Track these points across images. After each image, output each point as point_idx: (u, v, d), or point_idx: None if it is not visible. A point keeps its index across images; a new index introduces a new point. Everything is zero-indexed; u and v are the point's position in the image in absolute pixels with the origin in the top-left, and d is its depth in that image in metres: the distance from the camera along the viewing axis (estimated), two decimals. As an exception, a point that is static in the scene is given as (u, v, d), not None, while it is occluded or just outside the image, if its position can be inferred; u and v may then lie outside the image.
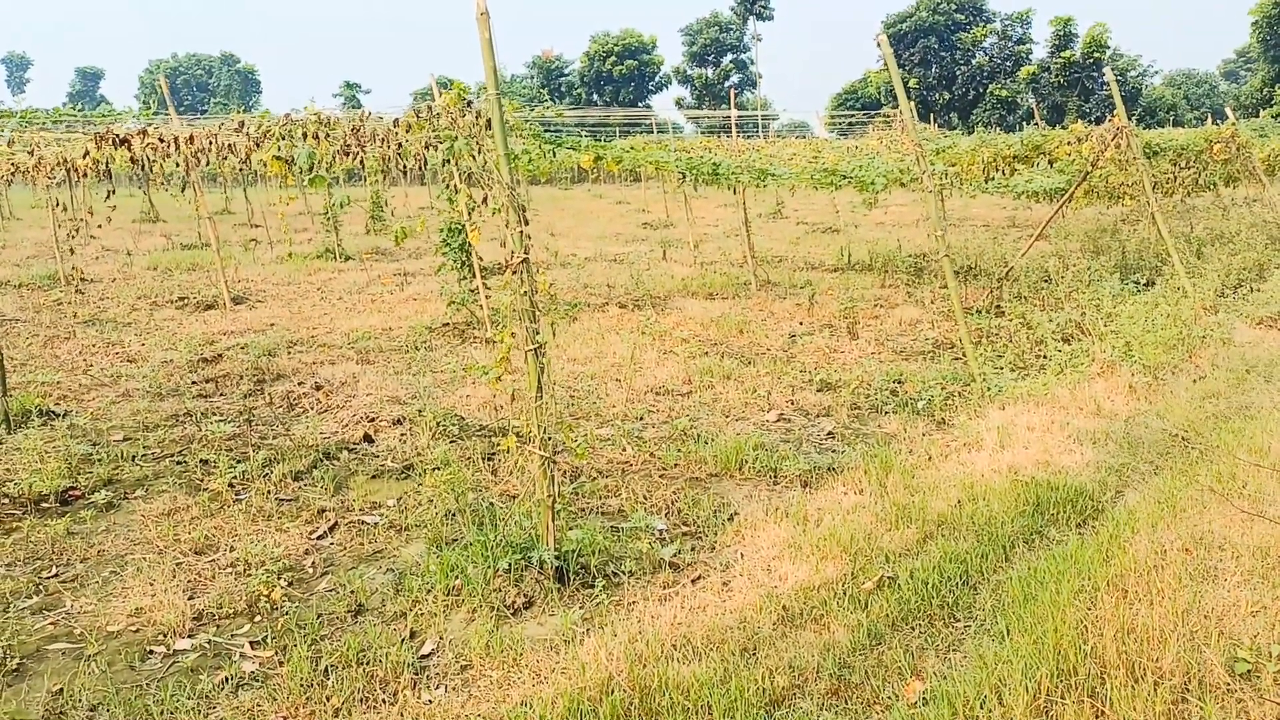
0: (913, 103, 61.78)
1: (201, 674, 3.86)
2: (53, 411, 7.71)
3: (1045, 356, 8.64)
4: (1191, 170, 15.67)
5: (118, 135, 7.99)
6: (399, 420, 7.31)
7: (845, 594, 4.33)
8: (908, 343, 9.99)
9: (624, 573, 4.62)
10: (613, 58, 71.60)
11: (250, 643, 4.10)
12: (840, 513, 5.28)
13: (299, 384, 8.53)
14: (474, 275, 10.72)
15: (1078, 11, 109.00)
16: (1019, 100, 59.27)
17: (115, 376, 9.02)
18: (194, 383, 8.75)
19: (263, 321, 11.92)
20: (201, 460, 6.43)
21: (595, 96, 72.61)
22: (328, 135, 4.78)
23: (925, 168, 7.64)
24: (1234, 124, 14.35)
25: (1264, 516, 4.40)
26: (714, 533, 5.17)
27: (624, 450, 6.60)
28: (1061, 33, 59.40)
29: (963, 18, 64.64)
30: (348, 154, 4.70)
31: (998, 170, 11.48)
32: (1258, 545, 4.37)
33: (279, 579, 4.70)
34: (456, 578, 4.43)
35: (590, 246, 19.78)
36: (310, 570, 4.83)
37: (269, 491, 5.86)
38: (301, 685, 3.67)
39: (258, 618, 4.32)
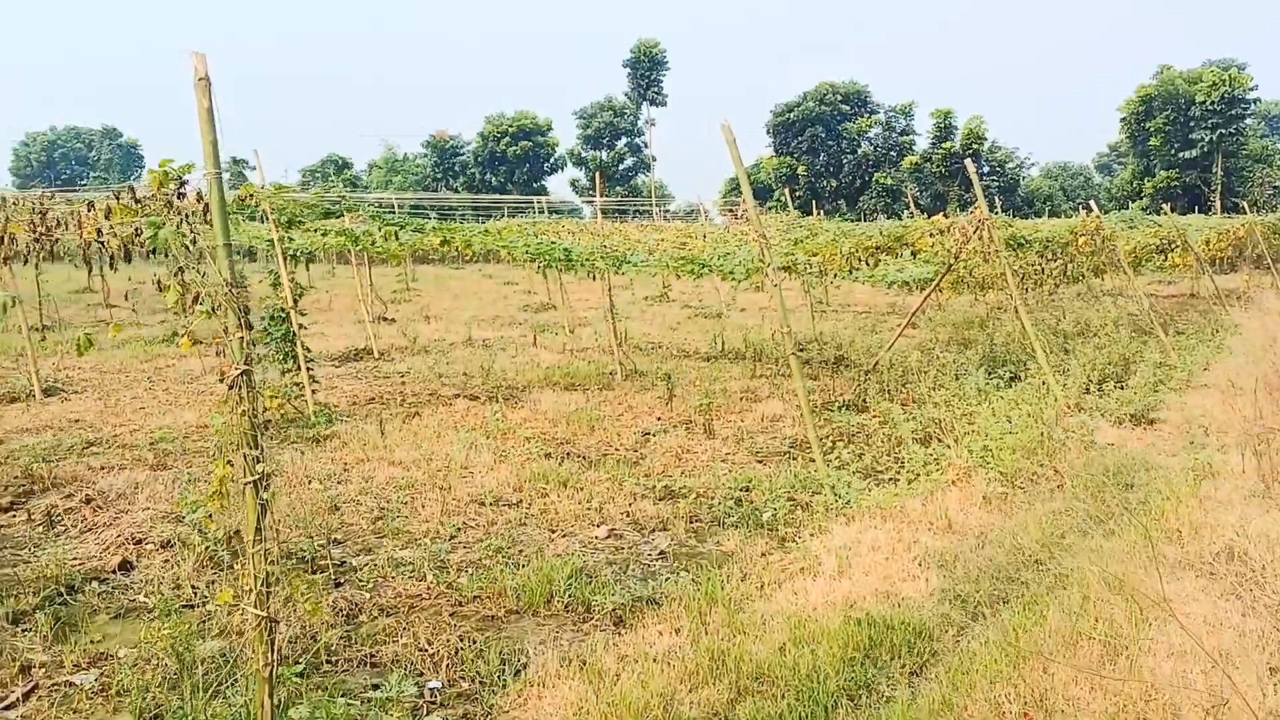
0: (801, 189, 63.12)
1: None
2: None
3: (902, 460, 8.11)
4: (1059, 261, 15.71)
5: None
6: (169, 543, 6.33)
7: (627, 782, 3.56)
8: (766, 441, 9.40)
9: (364, 758, 3.77)
10: (508, 138, 71.48)
11: None
12: (646, 663, 4.52)
13: (68, 496, 7.46)
14: (298, 368, 9.81)
15: (958, 105, 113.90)
16: (903, 188, 60.94)
17: None
18: (-51, 494, 7.61)
19: (68, 418, 10.74)
20: (-96, 600, 5.36)
21: (490, 176, 72.22)
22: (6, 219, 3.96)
23: (769, 260, 7.10)
24: (1098, 216, 14.44)
25: (1107, 677, 3.80)
26: (494, 693, 4.36)
27: (423, 578, 5.75)
28: (942, 124, 61.43)
29: (848, 108, 66.51)
30: (36, 239, 3.89)
31: (861, 260, 11.16)
32: (1106, 710, 3.75)
33: (-78, 776, 3.71)
34: (137, 777, 3.52)
35: (463, 330, 18.97)
36: (-30, 761, 3.85)
37: (-30, 642, 4.84)
38: None
39: None
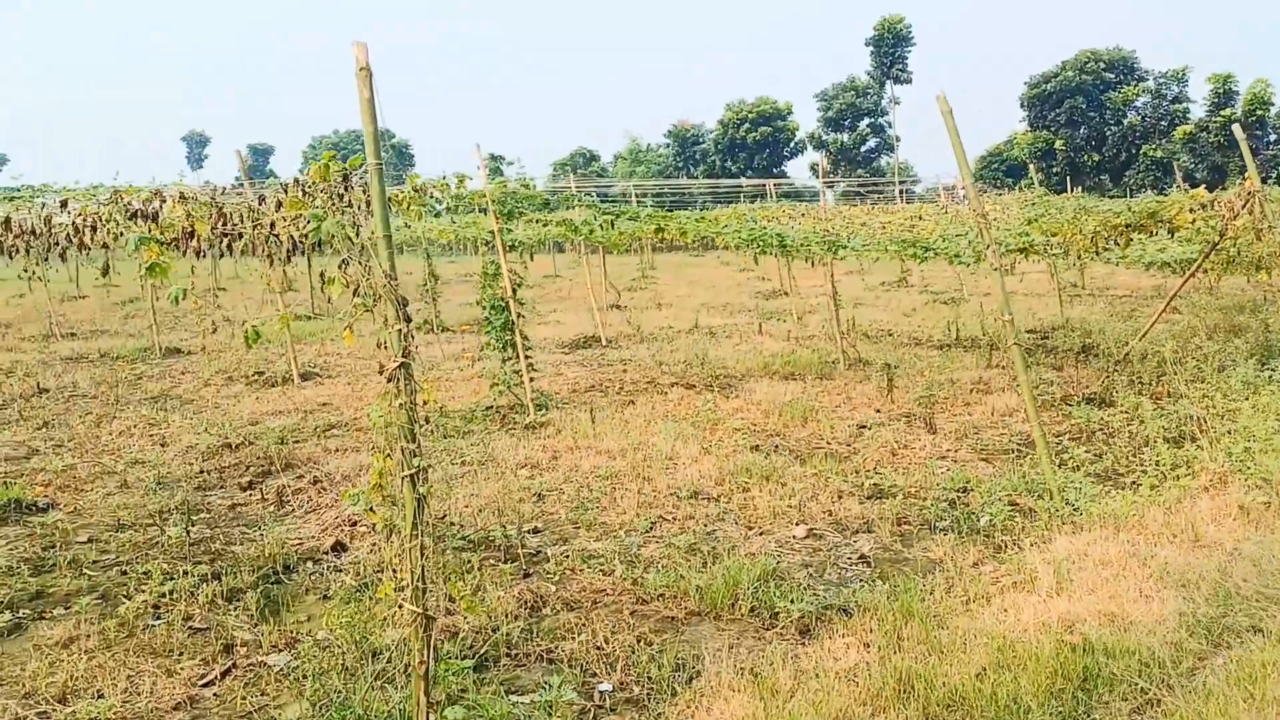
0: (1059, 165, 59.11)
1: None
2: (35, 505, 7.30)
3: (1146, 463, 7.28)
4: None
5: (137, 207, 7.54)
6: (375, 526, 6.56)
7: (787, 813, 3.29)
8: (993, 438, 8.72)
9: (519, 761, 3.69)
10: (747, 125, 71.24)
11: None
12: (827, 679, 4.21)
13: (299, 477, 7.93)
14: (518, 357, 10.01)
15: (1238, 69, 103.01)
16: (1175, 161, 55.81)
17: (132, 462, 8.64)
18: (200, 473, 8.28)
19: (318, 400, 11.51)
20: (142, 572, 5.81)
21: (729, 163, 72.27)
22: (188, 215, 4.14)
23: (988, 242, 6.52)
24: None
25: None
26: (664, 701, 4.17)
27: (611, 572, 5.66)
28: (1221, 90, 55.88)
29: (1113, 76, 61.70)
30: (223, 237, 4.05)
31: (1109, 240, 10.15)
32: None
33: (123, 744, 3.96)
34: (299, 764, 3.58)
35: (690, 318, 18.95)
36: (166, 733, 4.07)
37: (188, 617, 5.17)
38: None
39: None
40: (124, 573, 5.92)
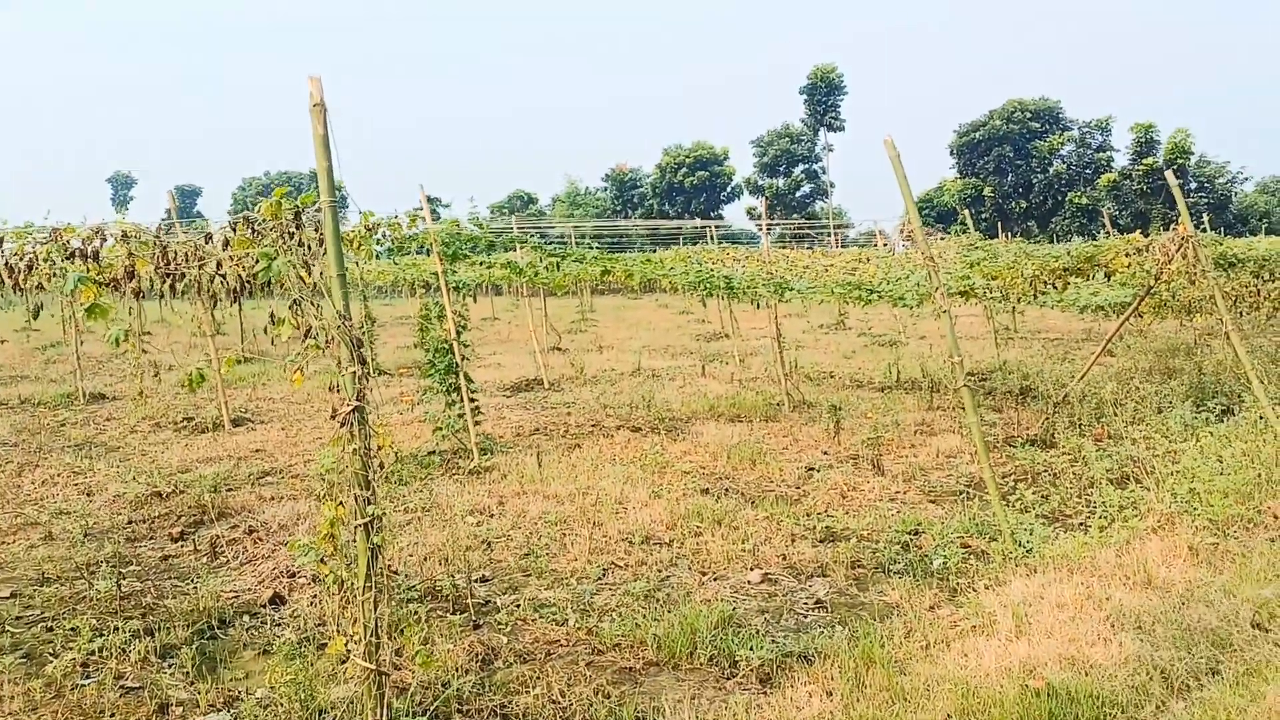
0: (987, 211, 60.58)
1: None
2: (-48, 558, 6.93)
3: (1093, 504, 7.34)
4: (1278, 283, 14.23)
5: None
6: (318, 578, 6.33)
7: None
8: (941, 479, 8.75)
9: (476, 825, 3.51)
10: (684, 169, 71.97)
11: None
12: (792, 730, 4.10)
13: (233, 527, 7.64)
14: (462, 400, 9.83)
15: (1160, 119, 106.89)
16: (1100, 207, 57.52)
17: (57, 513, 8.26)
18: (129, 523, 7.94)
19: (250, 447, 11.17)
20: (70, 628, 5.51)
21: (667, 207, 72.84)
22: (129, 253, 3.97)
23: (936, 283, 6.56)
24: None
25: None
26: (624, 756, 4.03)
27: (564, 622, 5.50)
28: (1143, 139, 57.85)
29: (1038, 125, 63.57)
30: (166, 277, 3.88)
31: (1047, 284, 10.33)
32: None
33: (48, 816, 3.69)
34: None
35: (632, 360, 18.88)
36: (95, 802, 3.81)
37: (120, 675, 4.90)
38: None
39: None
40: (50, 629, 5.61)
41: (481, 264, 11.11)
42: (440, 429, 9.98)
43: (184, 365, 19.63)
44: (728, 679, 4.79)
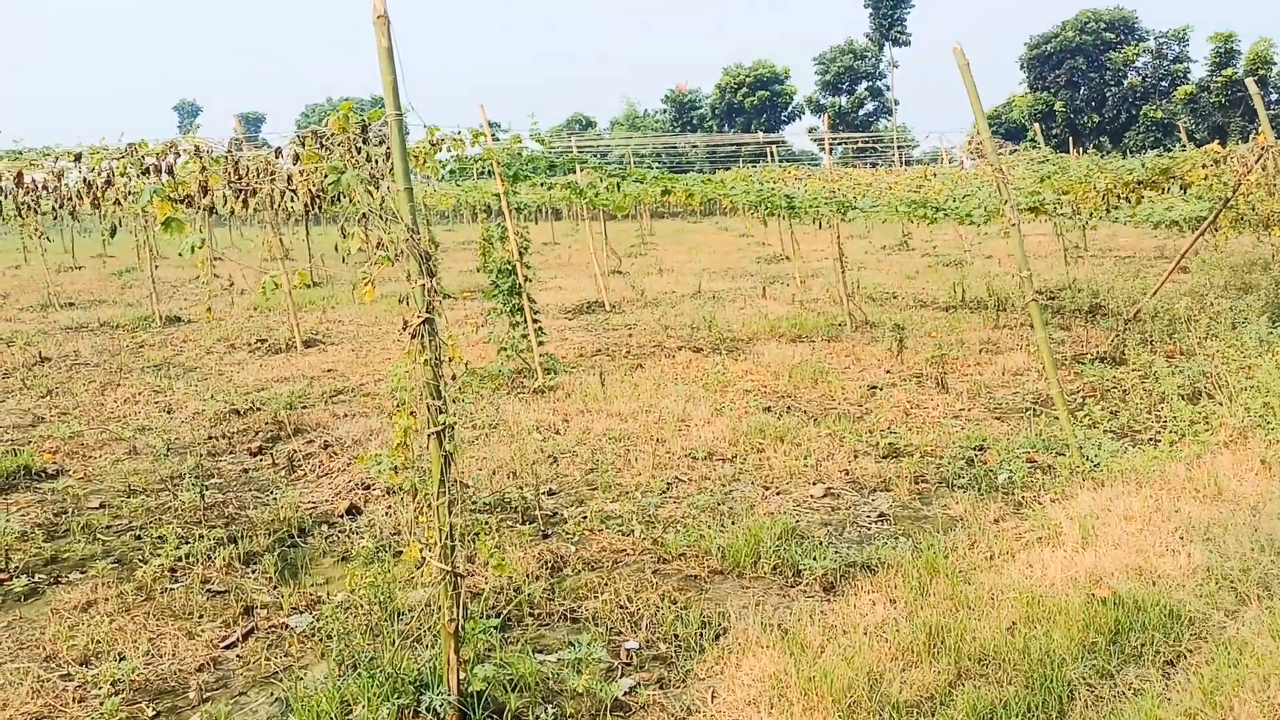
0: (1058, 126, 58.73)
1: None
2: (44, 472, 7.25)
3: (1164, 419, 7.24)
4: (1364, 193, 13.63)
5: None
6: (392, 489, 6.52)
7: (824, 767, 3.26)
8: (1006, 396, 8.68)
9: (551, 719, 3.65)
10: (744, 89, 70.76)
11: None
12: (856, 634, 4.18)
13: (309, 442, 7.87)
14: (525, 321, 9.93)
15: (1240, 29, 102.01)
16: (1176, 121, 55.45)
17: (140, 429, 8.57)
18: (209, 438, 8.22)
19: (322, 366, 11.44)
20: (157, 536, 5.76)
21: (727, 128, 71.83)
22: (203, 168, 4.04)
23: (1006, 197, 6.43)
24: None
25: None
26: (691, 658, 4.14)
27: (630, 533, 5.62)
28: (1222, 50, 55.40)
29: (1113, 36, 61.17)
30: (238, 193, 3.95)
31: (1121, 198, 10.04)
32: None
33: (149, 707, 3.92)
34: (329, 723, 3.53)
35: (693, 283, 18.85)
36: (191, 696, 4.02)
37: (206, 580, 5.13)
38: None
39: (91, 764, 3.54)
40: (138, 537, 5.88)
41: (542, 185, 11.11)
42: (505, 349, 10.11)
43: (255, 289, 20.03)
44: (791, 587, 4.87)
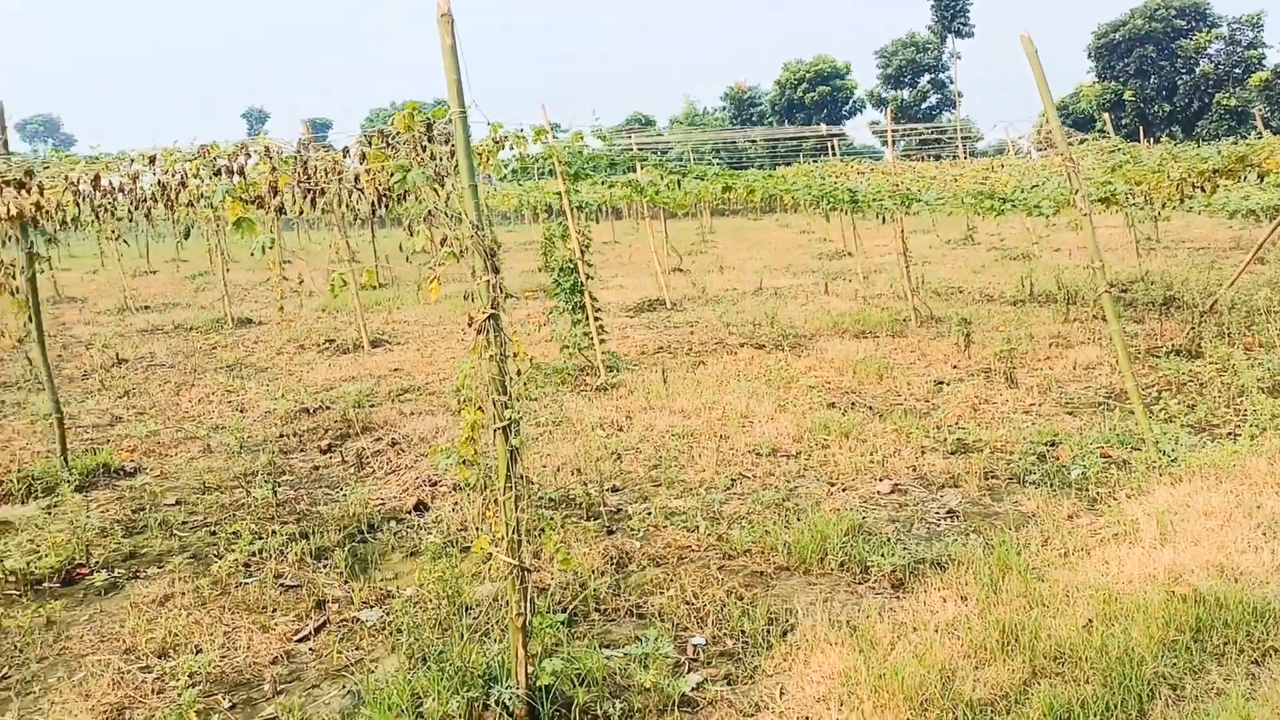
0: (1128, 116, 57.36)
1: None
2: (123, 470, 7.45)
3: (1244, 413, 7.02)
4: None
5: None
6: (462, 485, 6.59)
7: (896, 765, 3.21)
8: (1077, 391, 8.49)
9: (618, 715, 3.65)
10: (804, 84, 70.27)
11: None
12: (927, 632, 4.12)
13: (377, 439, 7.98)
14: (587, 319, 9.96)
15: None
16: (1251, 109, 53.83)
17: (214, 428, 8.77)
18: (280, 436, 8.37)
19: (389, 366, 11.60)
20: (232, 532, 5.88)
21: (787, 124, 71.40)
22: (273, 169, 4.10)
23: (1076, 186, 6.28)
24: None
25: None
26: (758, 654, 4.12)
27: (695, 529, 5.60)
28: (1302, 32, 53.66)
29: (1184, 23, 59.57)
30: (307, 193, 4.01)
31: (1195, 187, 9.76)
32: None
33: (225, 698, 4.00)
34: (400, 716, 3.57)
35: (754, 279, 18.77)
36: (266, 688, 4.10)
37: (279, 574, 5.22)
38: None
39: (169, 755, 3.62)
40: (213, 533, 6.01)
41: (603, 183, 11.14)
42: (567, 347, 10.15)
43: (323, 291, 20.36)
44: (859, 584, 4.82)
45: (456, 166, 3.64)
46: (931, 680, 3.66)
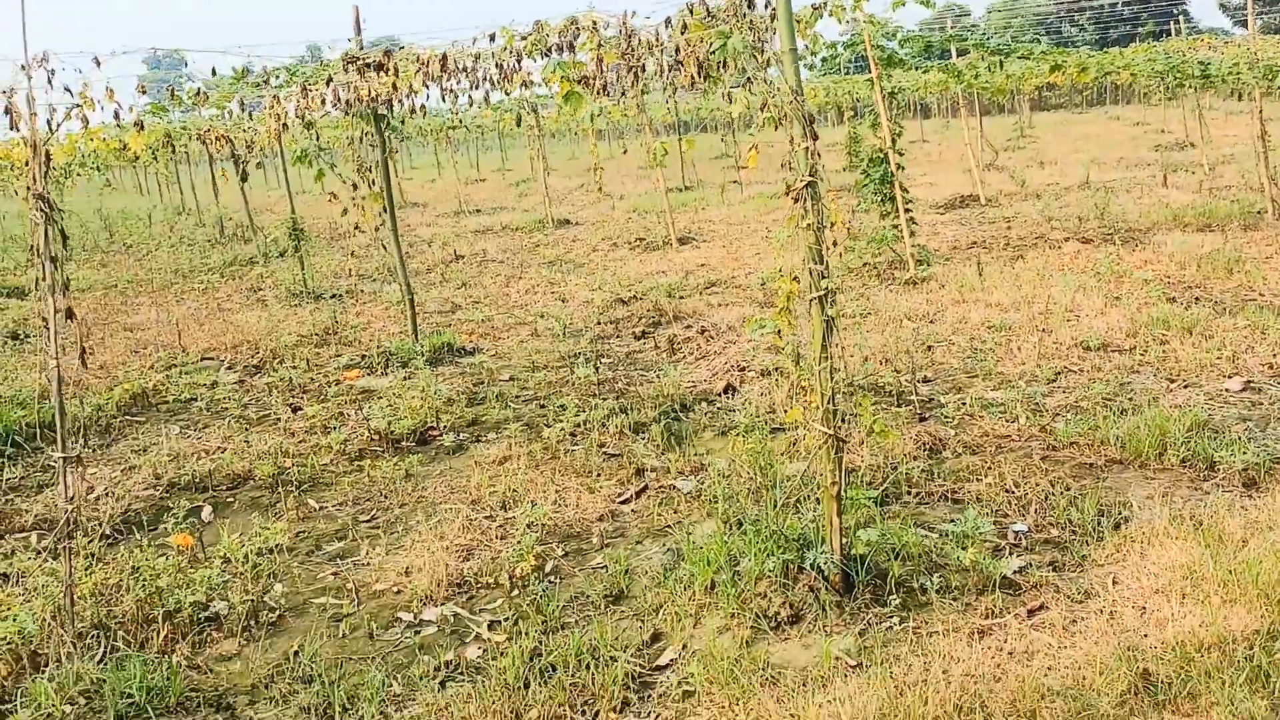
0: None
1: (428, 653, 3.59)
2: (464, 349, 8.15)
3: None
4: None
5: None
6: (768, 371, 6.67)
7: (1247, 663, 2.97)
8: None
9: (935, 589, 3.61)
10: (1143, -41, 63.03)
11: (490, 622, 3.76)
12: (1284, 533, 3.74)
13: (687, 327, 8.22)
14: (896, 212, 9.64)
15: None
16: None
17: (539, 315, 9.38)
18: (598, 323, 8.82)
19: (696, 262, 11.85)
20: (559, 405, 6.30)
21: (1121, 6, 64.60)
22: (598, 45, 4.17)
23: None
24: None
25: None
26: (1087, 544, 3.92)
27: (1014, 420, 5.37)
28: None
29: None
30: (630, 69, 4.06)
31: None
32: None
33: (558, 547, 4.34)
34: (719, 571, 3.72)
35: (1079, 173, 17.38)
36: (595, 540, 4.41)
37: (601, 444, 5.55)
38: (504, 689, 3.23)
39: (514, 592, 3.98)
40: (542, 405, 6.47)
41: (917, 69, 10.62)
42: (875, 240, 9.90)
43: (633, 194, 21.06)
44: (1204, 481, 4.45)
45: (776, 34, 3.60)
46: (1292, 580, 3.33)
